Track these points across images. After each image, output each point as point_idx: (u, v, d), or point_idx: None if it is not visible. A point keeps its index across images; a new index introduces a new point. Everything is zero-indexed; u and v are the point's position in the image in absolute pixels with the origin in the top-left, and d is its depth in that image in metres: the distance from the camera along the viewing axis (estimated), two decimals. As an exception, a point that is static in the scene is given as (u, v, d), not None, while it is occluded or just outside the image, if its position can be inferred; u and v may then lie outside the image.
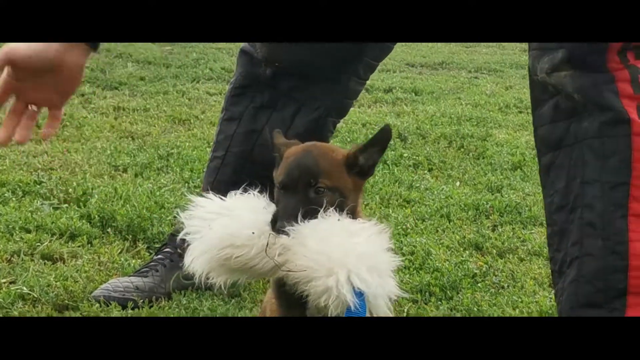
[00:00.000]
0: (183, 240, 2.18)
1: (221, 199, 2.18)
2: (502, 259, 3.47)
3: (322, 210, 2.06)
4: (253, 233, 2.04)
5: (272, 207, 2.12)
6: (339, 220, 2.05)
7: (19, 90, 2.12)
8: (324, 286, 1.95)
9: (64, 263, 3.16)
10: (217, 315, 2.80)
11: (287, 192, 2.10)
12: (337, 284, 1.94)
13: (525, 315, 2.88)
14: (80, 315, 2.74)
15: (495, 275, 3.28)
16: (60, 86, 2.14)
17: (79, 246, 3.30)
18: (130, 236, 3.44)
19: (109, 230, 3.46)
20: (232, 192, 2.20)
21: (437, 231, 3.78)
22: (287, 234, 2.01)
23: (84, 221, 3.51)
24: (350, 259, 1.96)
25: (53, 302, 2.82)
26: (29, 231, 3.38)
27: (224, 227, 2.05)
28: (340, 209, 2.09)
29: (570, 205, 2.27)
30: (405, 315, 2.88)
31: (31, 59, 2.05)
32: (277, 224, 2.04)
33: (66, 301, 2.84)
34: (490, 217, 4.01)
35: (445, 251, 3.50)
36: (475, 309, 2.91)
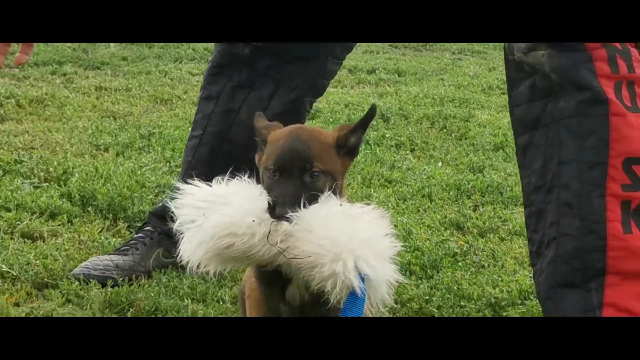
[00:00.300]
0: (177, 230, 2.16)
1: (209, 185, 2.15)
2: (483, 238, 3.49)
3: (320, 195, 2.07)
4: (253, 221, 2.01)
5: (256, 192, 2.09)
6: (340, 205, 2.06)
7: None
8: (330, 271, 1.96)
9: (43, 241, 3.16)
10: (197, 293, 2.81)
11: (281, 177, 2.09)
12: (345, 269, 1.95)
13: (505, 294, 2.89)
14: (59, 293, 2.74)
15: (476, 255, 3.30)
16: None
17: (59, 225, 3.29)
18: (111, 215, 3.44)
19: (89, 209, 3.46)
20: (219, 178, 2.16)
21: (419, 211, 3.78)
22: (289, 220, 2.01)
23: (64, 200, 3.50)
24: (355, 244, 1.98)
25: (32, 280, 2.82)
26: (9, 210, 3.37)
27: (223, 216, 2.02)
28: (332, 192, 2.10)
29: (547, 186, 2.27)
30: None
31: None
32: (277, 211, 2.03)
33: (46, 279, 2.84)
34: (472, 197, 4.02)
35: (426, 230, 3.51)
36: (455, 288, 2.93)
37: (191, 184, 2.14)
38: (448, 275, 3.05)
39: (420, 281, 3.01)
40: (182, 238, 2.10)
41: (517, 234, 3.53)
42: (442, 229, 3.57)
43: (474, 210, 3.87)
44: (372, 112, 2.22)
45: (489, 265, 3.21)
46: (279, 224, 2.01)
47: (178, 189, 2.15)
